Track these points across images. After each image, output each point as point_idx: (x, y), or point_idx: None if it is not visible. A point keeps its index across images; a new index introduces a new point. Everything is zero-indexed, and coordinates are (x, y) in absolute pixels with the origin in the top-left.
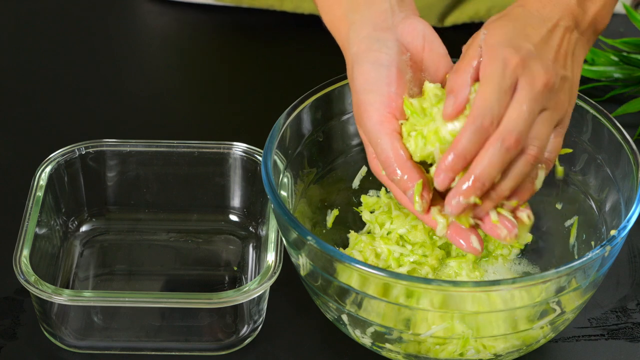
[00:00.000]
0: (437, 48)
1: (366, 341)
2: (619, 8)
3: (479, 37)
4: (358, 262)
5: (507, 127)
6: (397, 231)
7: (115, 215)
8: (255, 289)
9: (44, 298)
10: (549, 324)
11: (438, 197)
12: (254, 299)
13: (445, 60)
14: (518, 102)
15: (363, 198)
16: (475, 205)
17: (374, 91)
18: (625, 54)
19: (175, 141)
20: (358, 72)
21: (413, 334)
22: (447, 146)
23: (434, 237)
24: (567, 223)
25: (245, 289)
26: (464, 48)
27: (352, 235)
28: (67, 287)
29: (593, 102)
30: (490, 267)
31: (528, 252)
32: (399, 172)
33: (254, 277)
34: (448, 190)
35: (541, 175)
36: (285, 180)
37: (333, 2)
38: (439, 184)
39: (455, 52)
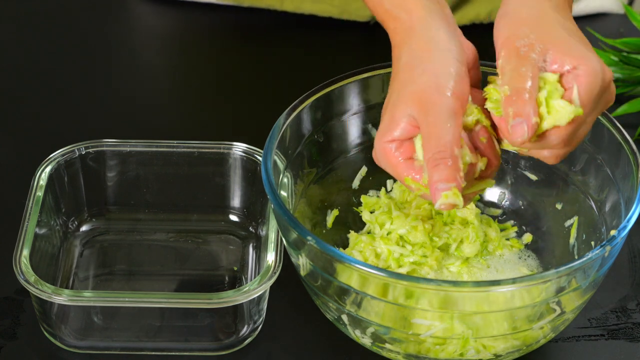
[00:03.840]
0: (478, 76)
1: (366, 341)
2: (619, 8)
3: (532, 51)
4: (358, 262)
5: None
6: (397, 231)
7: (115, 215)
8: (255, 289)
9: (44, 298)
10: (549, 324)
11: None
12: (254, 299)
13: (475, 90)
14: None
15: (363, 198)
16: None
17: (456, 81)
18: (625, 54)
19: (175, 141)
20: (438, 58)
21: (413, 334)
22: None
23: (434, 238)
24: (567, 223)
25: (245, 289)
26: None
27: (352, 235)
28: (67, 287)
29: None
30: (490, 267)
31: (528, 252)
32: (449, 161)
33: (254, 277)
34: None
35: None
36: (285, 180)
37: None
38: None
39: None
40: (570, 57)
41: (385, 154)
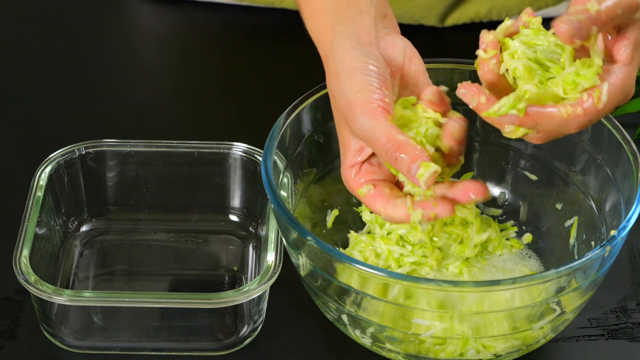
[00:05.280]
0: (416, 64)
1: (366, 341)
2: None
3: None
4: (358, 262)
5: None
6: (397, 231)
7: (115, 215)
8: (255, 289)
9: (44, 298)
10: (549, 324)
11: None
12: (254, 299)
13: (423, 76)
14: None
15: None
16: None
17: (366, 91)
18: None
19: (175, 141)
20: (346, 78)
21: (413, 334)
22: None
23: (434, 238)
24: (567, 223)
25: (245, 289)
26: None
27: (352, 235)
28: (67, 287)
29: None
30: (490, 267)
31: (528, 252)
32: (400, 155)
33: (254, 277)
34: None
35: None
36: (285, 180)
37: (318, 12)
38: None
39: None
40: (626, 54)
41: (347, 179)
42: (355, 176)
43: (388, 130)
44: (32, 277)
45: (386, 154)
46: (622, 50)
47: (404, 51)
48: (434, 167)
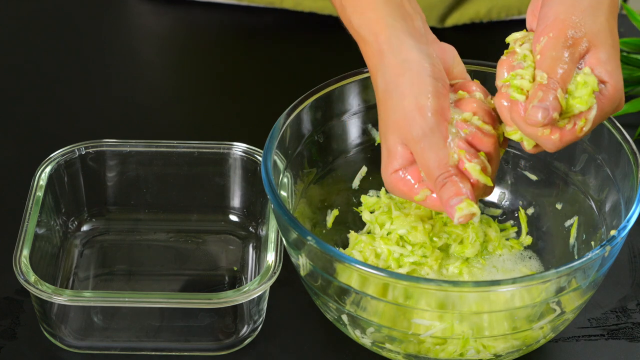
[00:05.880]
0: (461, 67)
1: (366, 341)
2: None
3: (578, 45)
4: (358, 262)
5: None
6: (397, 232)
7: (115, 215)
8: (255, 289)
9: (44, 298)
10: (549, 324)
11: None
12: (254, 299)
13: (466, 76)
14: None
15: (363, 198)
16: None
17: (436, 96)
18: (625, 54)
19: (175, 141)
20: (414, 79)
21: (413, 334)
22: None
23: (434, 238)
24: (567, 223)
25: (245, 289)
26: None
27: (352, 235)
28: (67, 287)
29: None
30: (490, 267)
31: (528, 252)
32: (449, 184)
33: (254, 277)
34: None
35: None
36: (285, 180)
37: (367, 7)
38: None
39: None
40: (606, 70)
41: (395, 184)
42: (405, 178)
43: (445, 157)
44: (32, 277)
45: (436, 179)
46: (597, 72)
47: (453, 56)
48: (475, 210)
